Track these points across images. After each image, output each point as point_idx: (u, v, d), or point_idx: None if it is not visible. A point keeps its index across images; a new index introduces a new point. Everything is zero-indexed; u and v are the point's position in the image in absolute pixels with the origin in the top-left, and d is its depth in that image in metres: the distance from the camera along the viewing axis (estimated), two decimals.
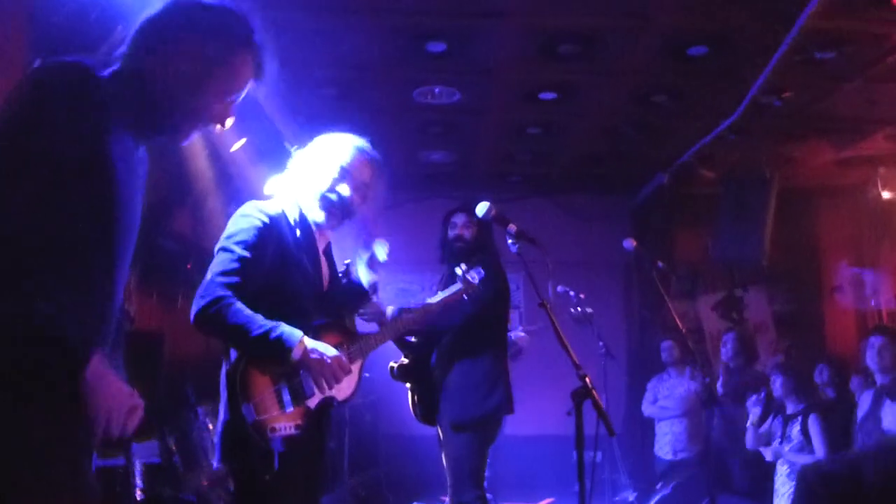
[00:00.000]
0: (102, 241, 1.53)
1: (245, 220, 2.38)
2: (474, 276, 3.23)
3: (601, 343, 5.77)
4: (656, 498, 5.51)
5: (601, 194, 7.54)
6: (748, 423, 4.96)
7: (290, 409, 2.33)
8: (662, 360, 6.47)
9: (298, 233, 2.49)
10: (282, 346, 2.26)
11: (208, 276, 2.29)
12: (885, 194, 6.39)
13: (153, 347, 5.25)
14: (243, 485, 2.35)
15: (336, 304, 2.65)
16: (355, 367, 2.55)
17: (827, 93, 4.94)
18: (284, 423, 2.31)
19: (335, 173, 2.55)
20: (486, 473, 3.67)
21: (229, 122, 1.75)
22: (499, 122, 5.68)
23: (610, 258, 7.34)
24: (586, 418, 2.51)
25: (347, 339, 2.58)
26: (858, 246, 7.23)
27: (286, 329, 2.29)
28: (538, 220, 6.54)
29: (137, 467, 3.88)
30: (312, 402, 2.40)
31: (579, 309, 5.41)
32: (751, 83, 4.69)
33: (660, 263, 4.00)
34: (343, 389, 2.48)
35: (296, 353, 2.28)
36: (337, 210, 2.55)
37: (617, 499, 6.11)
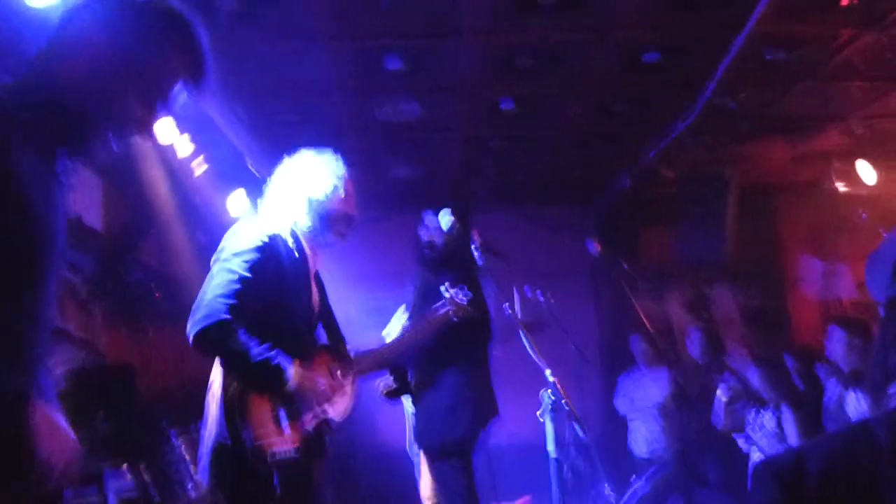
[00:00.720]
0: (16, 283, 1.35)
1: (246, 238, 2.36)
2: (462, 298, 3.21)
3: (573, 347, 5.82)
4: (634, 495, 5.56)
5: (567, 203, 7.62)
6: (718, 401, 5.03)
7: (288, 431, 2.34)
8: (633, 356, 6.55)
9: (296, 254, 2.49)
10: (280, 373, 2.27)
11: (209, 294, 2.26)
12: (841, 187, 6.56)
13: (125, 380, 5.17)
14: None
15: (326, 327, 2.65)
16: (349, 388, 2.58)
17: (780, 93, 5.08)
18: (283, 445, 2.31)
19: (330, 189, 2.55)
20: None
21: (173, 132, 1.61)
22: (462, 136, 5.73)
23: (579, 265, 7.42)
24: (561, 421, 2.55)
25: (339, 360, 2.60)
26: (818, 238, 7.42)
27: (283, 357, 2.29)
28: (507, 232, 6.57)
29: (112, 501, 3.82)
30: (310, 424, 2.40)
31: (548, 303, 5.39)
32: (706, 86, 4.80)
33: (625, 265, 4.06)
34: (339, 410, 2.50)
35: (291, 383, 2.29)
36: (343, 226, 2.58)
37: (593, 492, 6.15)
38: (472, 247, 2.90)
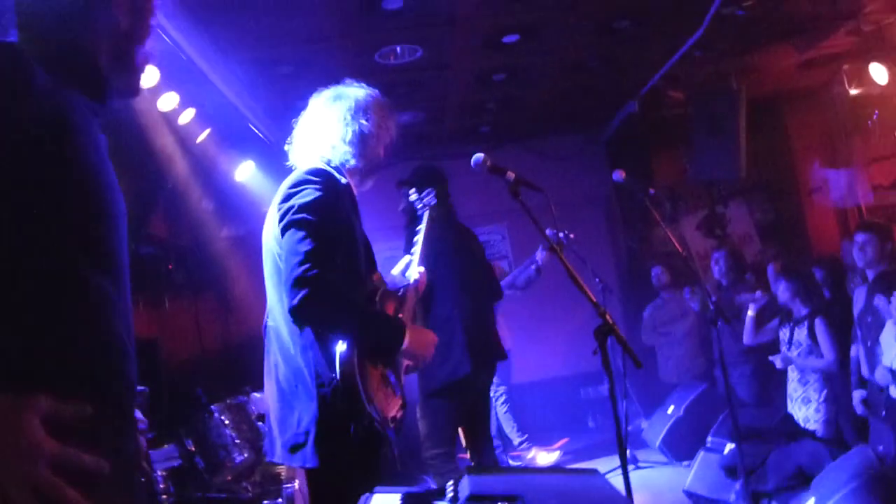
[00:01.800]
0: (96, 249, 1.29)
1: (311, 186, 2.20)
2: (432, 199, 3.12)
3: (597, 280, 5.78)
4: (671, 421, 5.59)
5: (573, 132, 7.50)
6: (749, 318, 5.01)
7: (398, 392, 2.29)
8: (654, 287, 6.53)
9: (352, 191, 2.37)
10: (401, 333, 2.20)
11: (297, 255, 2.08)
12: (852, 90, 6.42)
13: (150, 353, 5.16)
14: (355, 481, 2.12)
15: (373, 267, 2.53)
16: (428, 331, 2.50)
17: None
18: (396, 410, 2.26)
19: (382, 126, 2.43)
20: (493, 425, 3.69)
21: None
22: (464, 73, 5.57)
23: (590, 194, 7.36)
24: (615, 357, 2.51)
25: (398, 303, 2.50)
26: (831, 146, 7.30)
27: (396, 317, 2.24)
28: (514, 167, 6.48)
29: (159, 474, 3.83)
30: (404, 380, 2.37)
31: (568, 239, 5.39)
32: None
33: (651, 190, 3.99)
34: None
35: (406, 341, 2.23)
36: (374, 167, 2.44)
37: (630, 428, 6.20)
38: (507, 186, 2.77)
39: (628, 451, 5.66)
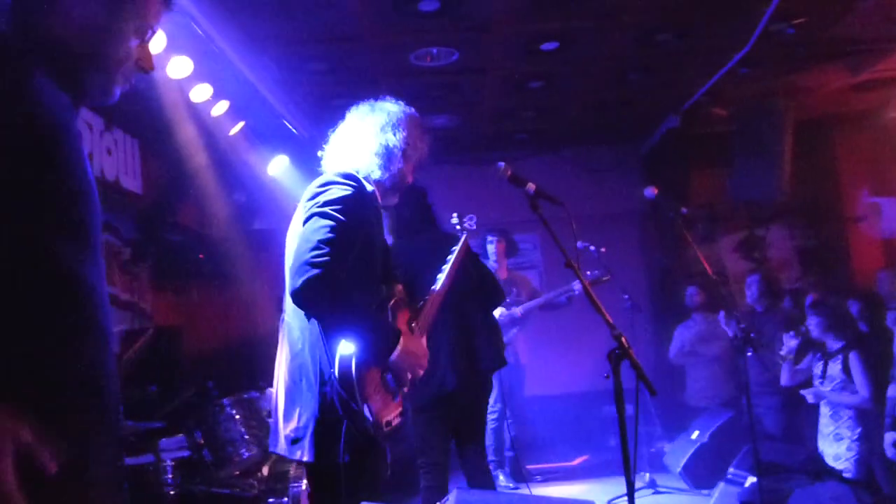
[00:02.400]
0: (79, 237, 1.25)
1: (339, 186, 2.25)
2: (472, 225, 3.22)
3: (626, 296, 5.65)
4: (695, 448, 5.42)
5: (610, 143, 7.36)
6: (783, 359, 4.83)
7: (398, 398, 2.29)
8: (687, 307, 6.36)
9: (375, 205, 2.41)
10: (393, 341, 2.22)
11: (309, 244, 2.11)
12: None
13: (172, 342, 5.19)
14: (348, 481, 2.19)
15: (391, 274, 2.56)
16: (424, 342, 2.50)
17: (842, 14, 4.71)
18: (394, 415, 2.26)
19: (411, 146, 2.46)
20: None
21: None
22: (500, 78, 5.49)
23: (624, 207, 7.21)
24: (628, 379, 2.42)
25: (413, 314, 2.51)
26: (879, 172, 7.04)
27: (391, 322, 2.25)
28: (547, 176, 6.38)
29: (168, 463, 3.83)
30: (406, 388, 2.36)
31: (595, 272, 5.31)
32: (762, 12, 4.48)
33: (683, 209, 3.86)
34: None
35: (396, 350, 2.24)
36: (398, 182, 2.48)
37: (652, 450, 6.04)
38: (526, 197, 2.73)
39: (647, 475, 5.54)
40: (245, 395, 4.24)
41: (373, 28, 4.39)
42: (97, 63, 1.33)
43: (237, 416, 4.10)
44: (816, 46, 5.25)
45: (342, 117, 2.57)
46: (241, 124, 4.91)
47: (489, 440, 5.44)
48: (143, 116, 4.41)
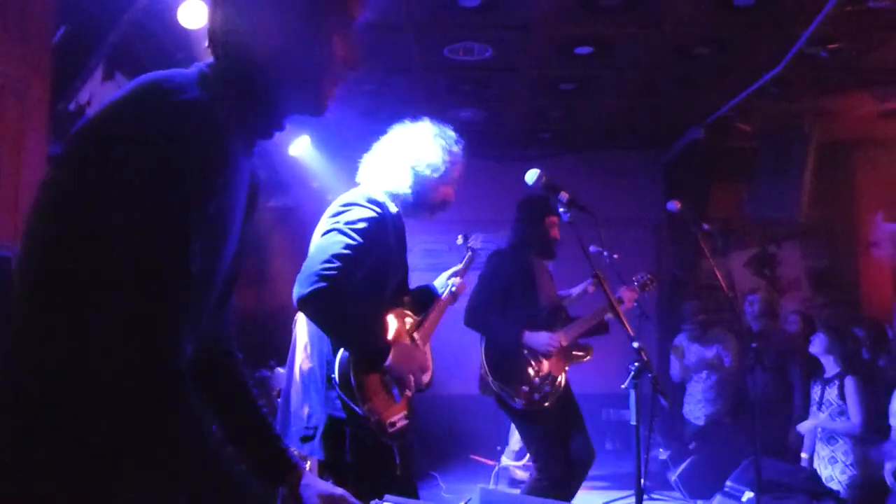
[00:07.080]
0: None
1: (360, 207, 2.34)
2: (477, 244, 3.25)
3: (636, 304, 5.66)
4: (691, 457, 5.48)
5: (633, 149, 7.36)
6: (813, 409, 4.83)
7: (400, 399, 2.37)
8: (688, 322, 6.38)
9: (399, 222, 2.50)
10: (382, 355, 2.28)
11: (322, 256, 2.19)
12: None
13: None
14: (359, 481, 2.25)
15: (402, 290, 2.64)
16: (427, 349, 2.58)
17: (878, 43, 4.73)
18: (397, 415, 2.34)
19: (441, 168, 2.51)
20: None
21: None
22: (532, 78, 5.50)
23: (641, 214, 7.22)
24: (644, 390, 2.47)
25: (415, 324, 2.60)
26: None
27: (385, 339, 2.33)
28: (568, 177, 6.38)
29: None
30: (412, 390, 2.43)
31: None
32: (798, 34, 4.50)
33: (705, 225, 3.89)
34: (426, 372, 2.50)
35: (387, 361, 2.30)
36: (438, 209, 2.59)
37: (646, 457, 6.08)
38: (558, 206, 2.78)
39: (641, 481, 5.56)
40: (256, 374, 4.30)
41: (412, 18, 4.41)
42: (300, 82, 1.22)
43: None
44: (847, 72, 5.26)
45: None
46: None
47: None
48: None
